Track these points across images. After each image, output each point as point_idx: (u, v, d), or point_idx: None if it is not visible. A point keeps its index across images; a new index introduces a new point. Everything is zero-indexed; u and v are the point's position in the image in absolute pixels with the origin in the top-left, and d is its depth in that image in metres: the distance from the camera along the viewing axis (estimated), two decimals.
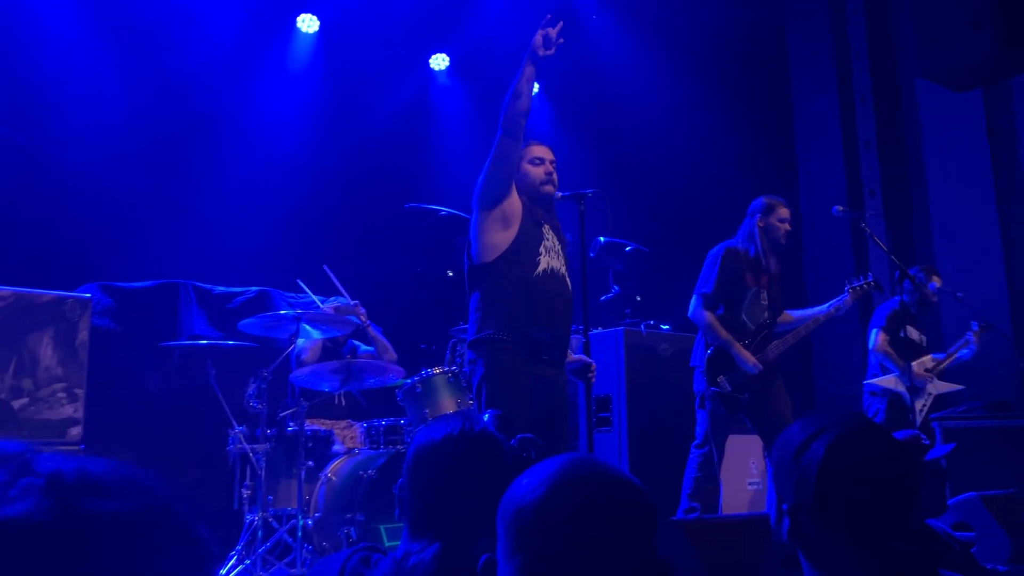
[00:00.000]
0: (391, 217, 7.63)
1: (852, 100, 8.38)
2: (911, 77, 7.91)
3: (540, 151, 4.15)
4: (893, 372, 6.10)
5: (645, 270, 6.93)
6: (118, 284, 6.42)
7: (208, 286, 6.75)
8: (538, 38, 3.83)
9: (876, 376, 6.23)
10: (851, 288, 5.23)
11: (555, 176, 4.12)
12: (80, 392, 5.02)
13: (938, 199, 7.86)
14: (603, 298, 6.73)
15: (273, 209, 7.66)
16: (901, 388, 6.09)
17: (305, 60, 8.32)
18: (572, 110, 9.50)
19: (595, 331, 6.14)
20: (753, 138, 8.72)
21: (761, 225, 5.11)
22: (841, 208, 5.58)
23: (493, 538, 1.39)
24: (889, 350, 6.08)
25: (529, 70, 3.86)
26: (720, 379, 4.94)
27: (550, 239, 4.01)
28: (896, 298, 6.21)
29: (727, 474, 5.59)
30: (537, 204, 4.05)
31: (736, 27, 8.60)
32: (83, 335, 5.07)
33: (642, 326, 6.36)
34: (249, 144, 7.70)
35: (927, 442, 5.30)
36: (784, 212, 5.14)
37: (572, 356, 4.12)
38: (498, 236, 3.91)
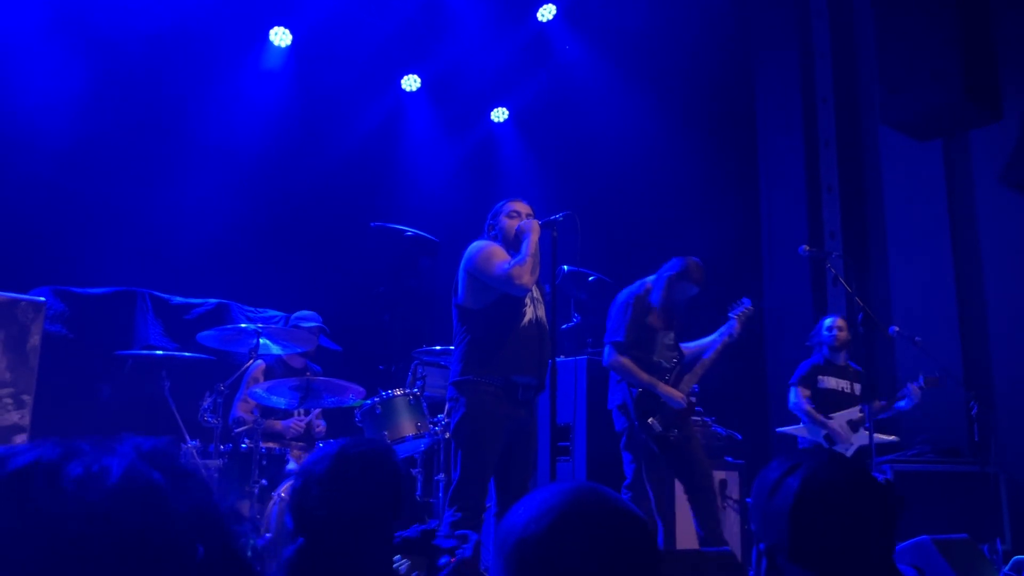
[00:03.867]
0: (356, 235, 7.57)
1: (816, 144, 8.53)
2: (874, 124, 8.07)
3: (517, 206, 4.47)
4: (807, 423, 6.20)
5: (608, 300, 6.95)
6: (73, 289, 6.27)
7: (166, 296, 6.62)
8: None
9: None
10: (736, 315, 5.36)
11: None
12: (28, 399, 4.87)
13: (896, 243, 8.01)
14: (564, 326, 6.73)
15: (236, 221, 7.54)
16: (817, 437, 6.16)
17: (276, 73, 8.25)
18: (540, 138, 9.54)
19: (557, 359, 6.12)
20: (718, 176, 8.82)
21: (669, 282, 5.15)
22: (807, 247, 5.65)
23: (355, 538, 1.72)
24: (804, 406, 6.16)
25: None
26: (651, 420, 5.00)
27: (534, 289, 4.32)
28: (821, 349, 6.30)
29: (683, 510, 5.58)
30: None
31: (705, 65, 8.72)
32: (35, 340, 4.93)
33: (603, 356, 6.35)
34: (215, 154, 7.59)
35: (900, 492, 5.38)
36: (692, 287, 5.16)
37: None
38: (485, 290, 4.24)
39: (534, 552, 1.10)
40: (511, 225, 4.37)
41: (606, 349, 5.17)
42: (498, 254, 4.26)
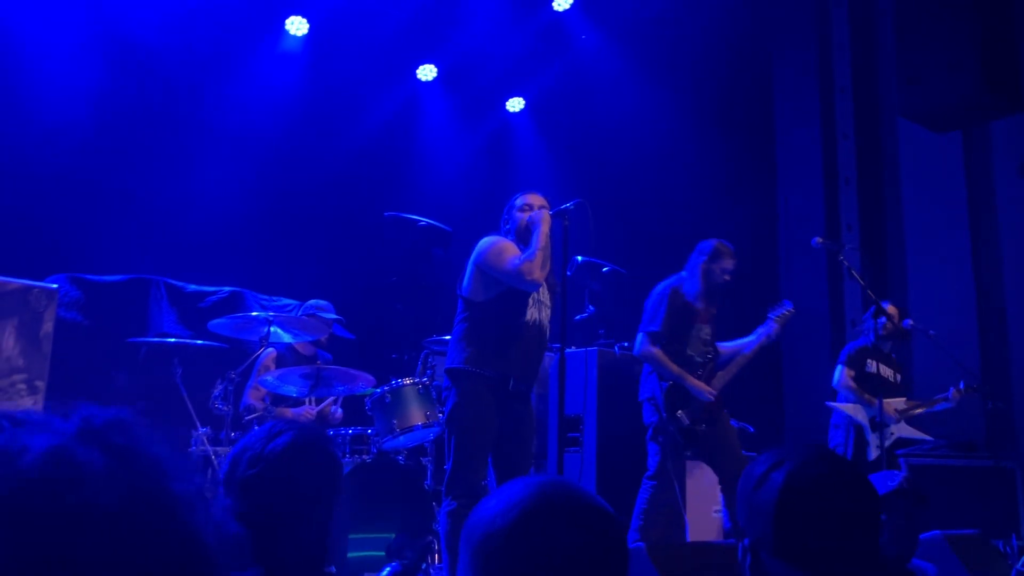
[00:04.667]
0: (369, 224, 7.58)
1: (834, 135, 8.45)
2: (893, 116, 7.99)
3: (530, 198, 4.40)
4: (855, 402, 6.09)
5: (622, 291, 6.92)
6: (87, 276, 6.31)
7: (180, 284, 6.66)
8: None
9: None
10: (775, 317, 5.30)
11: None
12: (41, 385, 4.91)
13: (914, 236, 7.93)
14: (577, 317, 6.70)
15: (251, 210, 7.58)
16: (862, 419, 6.06)
17: (292, 62, 8.26)
18: (556, 129, 9.51)
19: (569, 350, 6.10)
20: (735, 167, 8.77)
21: (705, 268, 5.12)
22: (821, 239, 5.59)
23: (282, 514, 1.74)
24: (852, 384, 6.07)
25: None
26: (680, 413, 4.97)
27: (540, 291, 4.28)
28: (868, 335, 6.21)
29: (693, 501, 5.56)
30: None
31: (723, 56, 8.66)
32: (47, 326, 4.96)
33: (616, 347, 6.34)
34: (230, 143, 7.62)
35: (909, 486, 5.30)
36: (729, 263, 5.14)
37: None
38: (491, 285, 4.22)
39: (500, 546, 1.09)
40: (524, 218, 4.32)
41: (639, 337, 5.13)
42: (508, 249, 4.23)
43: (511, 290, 4.18)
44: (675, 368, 5.01)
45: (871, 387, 6.03)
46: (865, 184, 8.33)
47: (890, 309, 6.24)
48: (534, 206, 4.34)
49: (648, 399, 5.14)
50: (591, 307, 6.81)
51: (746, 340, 5.35)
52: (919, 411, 6.18)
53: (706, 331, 5.17)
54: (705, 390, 4.99)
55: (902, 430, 6.08)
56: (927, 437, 6.33)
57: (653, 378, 5.12)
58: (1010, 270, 7.41)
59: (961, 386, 6.08)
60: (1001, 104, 6.88)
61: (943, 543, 4.35)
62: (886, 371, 6.21)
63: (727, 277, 5.15)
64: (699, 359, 5.12)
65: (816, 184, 8.35)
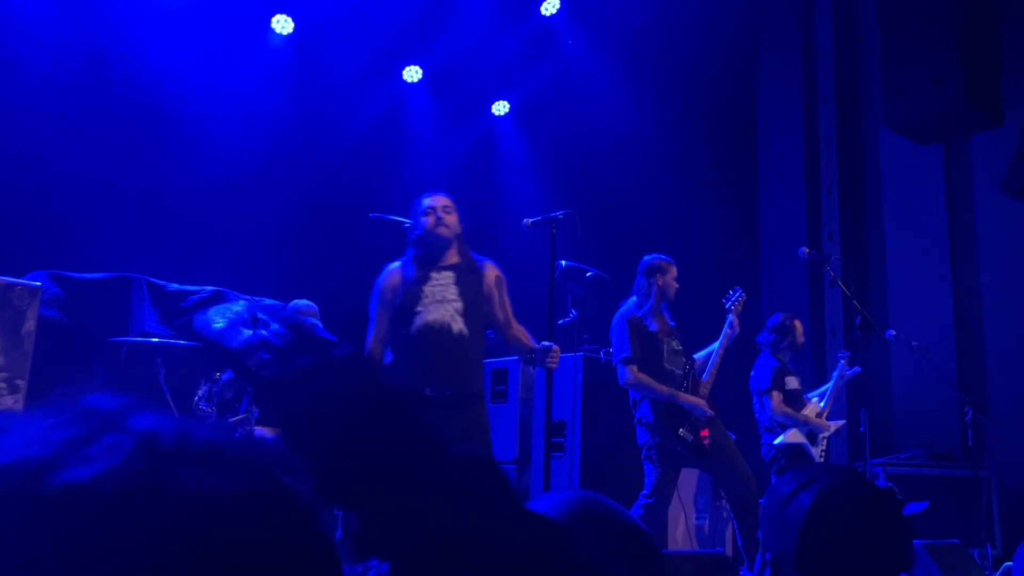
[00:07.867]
0: (353, 226, 7.54)
1: (817, 145, 8.52)
2: (875, 126, 8.07)
3: (428, 201, 4.28)
4: (792, 426, 5.80)
5: (606, 297, 6.93)
6: (68, 274, 6.22)
7: (162, 282, 6.58)
8: None
9: (778, 435, 5.81)
10: (731, 307, 5.30)
11: (448, 218, 4.22)
12: (22, 384, 4.84)
13: (894, 247, 8.02)
14: (561, 322, 6.70)
15: (234, 209, 7.51)
16: (803, 440, 5.88)
17: (277, 62, 8.21)
18: (541, 133, 9.51)
19: None
20: (718, 175, 8.81)
21: (659, 284, 5.14)
22: (807, 250, 5.63)
23: None
24: (786, 409, 5.77)
25: None
26: (682, 431, 4.95)
27: (432, 290, 4.12)
28: (763, 354, 5.97)
29: (673, 508, 5.58)
30: (432, 251, 4.21)
31: (708, 63, 8.71)
32: (30, 324, 4.90)
33: (602, 353, 6.35)
34: (214, 142, 7.55)
35: (901, 496, 5.32)
36: (675, 271, 5.21)
37: (532, 343, 4.20)
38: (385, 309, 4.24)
39: None
40: (429, 222, 4.23)
41: (618, 370, 5.11)
42: (379, 297, 4.28)
43: (400, 305, 4.14)
44: (664, 388, 4.96)
45: (793, 403, 5.85)
46: (847, 194, 8.41)
47: (797, 324, 6.04)
48: (437, 209, 4.21)
49: (639, 421, 5.13)
50: (574, 312, 6.82)
51: (717, 344, 5.34)
52: (830, 405, 6.06)
53: (675, 343, 5.16)
54: (700, 404, 4.96)
55: (829, 429, 5.94)
56: (842, 421, 6.34)
57: (645, 402, 5.09)
58: (987, 282, 7.51)
59: (842, 357, 6.07)
60: (982, 119, 6.97)
61: (922, 552, 4.40)
62: (794, 383, 5.95)
63: (676, 285, 5.20)
64: (678, 371, 5.10)
65: (798, 193, 8.42)
